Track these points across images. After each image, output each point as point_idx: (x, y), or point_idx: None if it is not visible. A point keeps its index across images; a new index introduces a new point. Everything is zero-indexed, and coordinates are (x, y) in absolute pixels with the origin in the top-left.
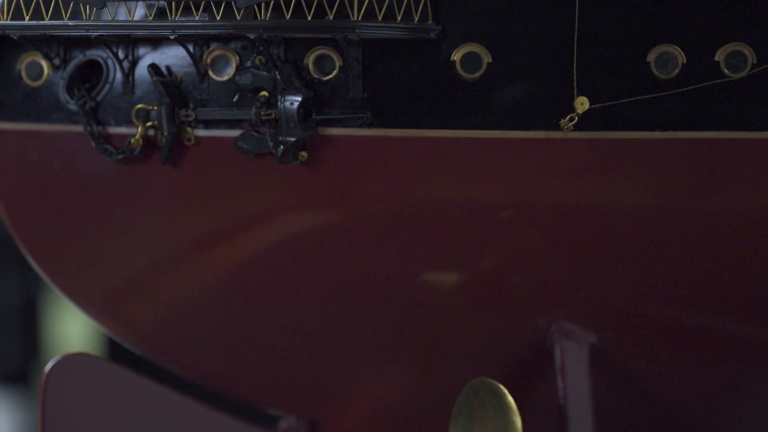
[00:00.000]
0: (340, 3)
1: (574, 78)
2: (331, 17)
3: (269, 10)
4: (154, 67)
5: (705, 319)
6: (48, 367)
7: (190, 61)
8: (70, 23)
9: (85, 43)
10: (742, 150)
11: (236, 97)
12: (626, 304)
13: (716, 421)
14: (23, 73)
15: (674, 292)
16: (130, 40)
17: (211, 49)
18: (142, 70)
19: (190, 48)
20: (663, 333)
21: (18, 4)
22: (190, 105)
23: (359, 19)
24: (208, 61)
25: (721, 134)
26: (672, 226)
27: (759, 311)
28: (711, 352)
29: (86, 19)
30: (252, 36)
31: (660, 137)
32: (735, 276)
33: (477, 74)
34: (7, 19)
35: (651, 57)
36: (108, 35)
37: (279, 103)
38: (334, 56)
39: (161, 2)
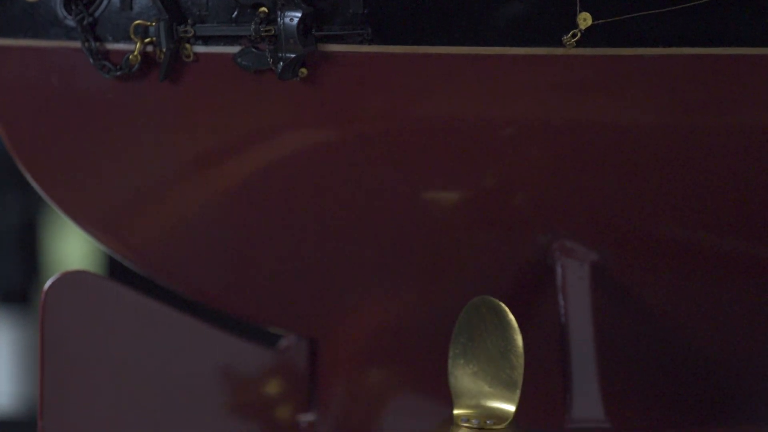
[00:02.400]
0: None
1: None
2: None
3: None
4: None
5: (709, 237)
6: (47, 284)
7: None
8: None
9: None
10: (747, 66)
11: (235, 13)
12: (629, 221)
13: (718, 339)
14: None
15: (678, 210)
16: None
17: None
18: None
19: None
20: (666, 251)
21: None
22: (189, 21)
23: None
24: None
25: (725, 50)
26: (676, 143)
27: (764, 231)
28: (714, 271)
29: None
30: None
31: (663, 53)
32: (740, 195)
33: None
34: None
35: None
36: None
37: (278, 19)
38: None
39: None
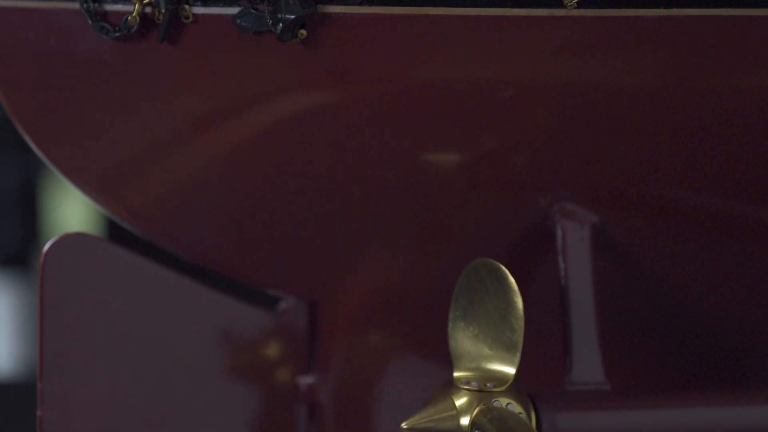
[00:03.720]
0: None
1: None
2: None
3: None
4: None
5: (710, 199)
6: (46, 246)
7: None
8: None
9: None
10: (749, 27)
11: None
12: (630, 184)
13: (718, 301)
14: None
15: (679, 172)
16: None
17: None
18: None
19: None
20: (667, 213)
21: None
22: None
23: None
24: None
25: (728, 11)
26: (677, 105)
27: (762, 192)
28: (715, 233)
29: None
30: None
31: (665, 14)
32: (741, 156)
33: None
34: None
35: None
36: None
37: None
38: None
39: None
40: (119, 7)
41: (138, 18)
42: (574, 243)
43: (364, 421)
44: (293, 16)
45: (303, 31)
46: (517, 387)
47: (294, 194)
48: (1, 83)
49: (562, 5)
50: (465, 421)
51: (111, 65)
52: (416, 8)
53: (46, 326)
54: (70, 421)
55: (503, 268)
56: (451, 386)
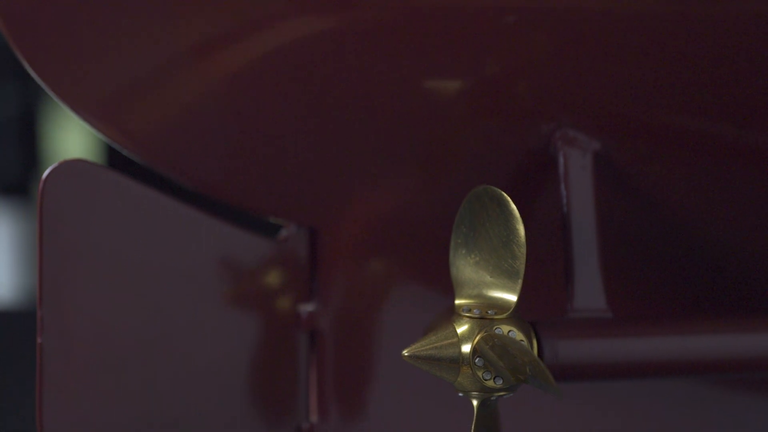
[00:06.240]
0: None
1: None
2: None
3: None
4: None
5: (712, 126)
6: (46, 173)
7: None
8: None
9: None
10: None
11: None
12: (632, 110)
13: (720, 228)
14: None
15: (681, 98)
16: None
17: None
18: None
19: None
20: (669, 140)
21: None
22: None
23: None
24: None
25: None
26: (680, 31)
27: (764, 117)
28: (717, 159)
29: None
30: None
31: None
32: (741, 82)
33: None
34: None
35: None
36: None
37: None
38: None
39: None
40: None
41: None
42: (577, 170)
43: (364, 349)
44: None
45: None
46: (518, 314)
47: (295, 121)
48: (0, 10)
49: None
50: (466, 348)
51: None
52: None
53: (45, 253)
54: (70, 348)
55: (505, 195)
56: (452, 313)
